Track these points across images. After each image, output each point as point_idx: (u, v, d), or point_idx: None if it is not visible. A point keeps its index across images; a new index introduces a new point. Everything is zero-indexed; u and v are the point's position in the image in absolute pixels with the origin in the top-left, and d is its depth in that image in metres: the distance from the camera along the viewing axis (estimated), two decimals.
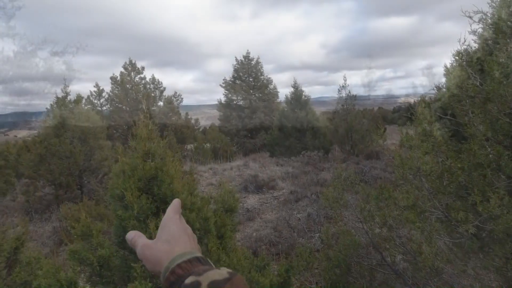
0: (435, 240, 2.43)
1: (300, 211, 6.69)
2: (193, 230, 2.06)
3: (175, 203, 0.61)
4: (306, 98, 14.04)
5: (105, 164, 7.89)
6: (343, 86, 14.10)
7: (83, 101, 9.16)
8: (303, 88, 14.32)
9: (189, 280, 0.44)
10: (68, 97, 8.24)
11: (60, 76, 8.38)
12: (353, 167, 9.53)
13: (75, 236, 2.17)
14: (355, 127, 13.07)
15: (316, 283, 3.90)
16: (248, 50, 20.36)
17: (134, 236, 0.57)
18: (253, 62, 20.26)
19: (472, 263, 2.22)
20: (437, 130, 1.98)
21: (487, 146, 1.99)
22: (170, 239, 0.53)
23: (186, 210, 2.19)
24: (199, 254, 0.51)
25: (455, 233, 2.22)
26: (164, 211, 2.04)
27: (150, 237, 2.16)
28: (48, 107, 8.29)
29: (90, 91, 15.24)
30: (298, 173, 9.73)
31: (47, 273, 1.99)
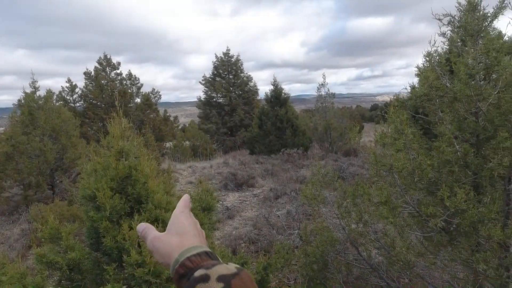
0: (408, 234, 2.52)
1: (279, 208, 6.74)
2: None
3: (185, 198, 0.63)
4: (286, 96, 14.12)
5: (79, 163, 7.59)
6: (322, 84, 14.34)
7: (54, 96, 8.75)
8: (283, 86, 14.39)
9: (198, 273, 0.45)
10: (37, 93, 7.85)
11: (27, 70, 7.95)
12: (332, 164, 9.71)
13: (43, 239, 2.07)
14: (334, 125, 13.32)
15: (295, 279, 3.95)
16: (228, 47, 20.23)
17: (145, 228, 0.58)
18: (233, 59, 20.13)
19: (442, 255, 2.31)
20: (408, 128, 2.04)
21: (455, 144, 2.07)
22: (180, 233, 0.54)
23: (162, 210, 2.14)
24: (208, 249, 0.52)
25: (425, 227, 2.30)
26: (138, 211, 1.97)
27: (124, 238, 2.07)
28: (16, 103, 7.83)
29: (62, 86, 14.57)
30: (278, 171, 9.79)
31: (12, 278, 1.89)
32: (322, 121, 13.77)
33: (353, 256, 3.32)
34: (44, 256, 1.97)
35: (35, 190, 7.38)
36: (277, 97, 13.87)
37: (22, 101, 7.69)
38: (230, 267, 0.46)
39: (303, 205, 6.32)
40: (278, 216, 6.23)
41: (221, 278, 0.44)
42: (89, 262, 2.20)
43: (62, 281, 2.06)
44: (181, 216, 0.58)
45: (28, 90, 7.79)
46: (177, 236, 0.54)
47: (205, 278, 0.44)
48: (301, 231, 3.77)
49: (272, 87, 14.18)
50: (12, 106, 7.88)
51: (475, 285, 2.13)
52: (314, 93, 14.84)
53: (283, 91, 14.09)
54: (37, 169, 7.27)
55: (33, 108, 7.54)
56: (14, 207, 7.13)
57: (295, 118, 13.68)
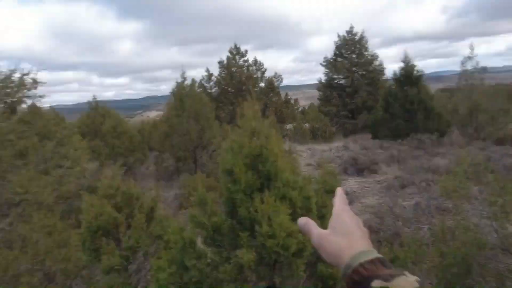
0: None
1: (406, 198, 6.13)
2: (295, 208, 2.07)
3: (341, 193, 0.60)
4: (418, 74, 12.34)
5: (214, 141, 8.81)
6: (468, 57, 11.82)
7: (196, 84, 10.30)
8: (416, 62, 12.59)
9: (376, 284, 0.43)
10: (185, 82, 9.40)
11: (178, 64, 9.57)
12: (477, 154, 8.05)
13: (194, 203, 2.52)
14: (482, 106, 10.89)
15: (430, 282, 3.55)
16: (351, 24, 19.00)
17: (306, 223, 0.58)
18: (356, 37, 18.84)
19: None
20: None
21: None
22: (346, 233, 0.52)
23: (289, 188, 2.27)
24: (380, 255, 0.49)
25: None
26: (268, 188, 2.13)
27: (256, 210, 2.29)
28: (171, 91, 9.62)
29: (201, 75, 16.90)
30: (405, 158, 8.82)
31: (174, 230, 2.40)
32: (465, 101, 11.46)
33: (506, 265, 2.74)
34: (195, 217, 2.41)
35: (183, 162, 9.02)
36: (408, 76, 12.29)
37: (175, 90, 9.39)
38: (411, 280, 0.43)
39: (437, 198, 5.53)
40: (405, 207, 5.67)
41: None
42: (226, 227, 2.56)
43: (207, 240, 2.48)
44: (343, 214, 0.55)
45: (179, 81, 9.44)
46: (343, 237, 0.52)
47: None
48: (437, 227, 3.33)
49: (401, 64, 12.62)
50: (169, 94, 9.75)
51: None
52: (456, 68, 12.45)
53: (415, 68, 12.36)
54: (184, 146, 8.83)
55: (182, 95, 9.12)
56: (170, 175, 8.95)
57: (429, 99, 11.88)
